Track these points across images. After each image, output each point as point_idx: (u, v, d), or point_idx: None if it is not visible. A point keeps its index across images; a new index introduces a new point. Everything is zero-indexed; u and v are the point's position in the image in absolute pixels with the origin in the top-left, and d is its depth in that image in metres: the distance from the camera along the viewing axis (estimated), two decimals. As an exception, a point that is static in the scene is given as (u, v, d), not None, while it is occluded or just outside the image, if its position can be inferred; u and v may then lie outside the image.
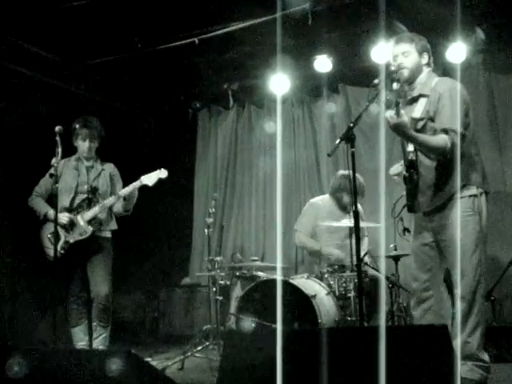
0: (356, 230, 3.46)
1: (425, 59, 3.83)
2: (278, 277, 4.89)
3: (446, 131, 3.57)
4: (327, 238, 5.58)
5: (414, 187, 3.73)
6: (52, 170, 4.41)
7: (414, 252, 3.90)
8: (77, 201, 4.91)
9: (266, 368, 2.81)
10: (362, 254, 5.13)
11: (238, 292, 5.36)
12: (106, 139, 5.14)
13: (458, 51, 5.80)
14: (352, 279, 4.94)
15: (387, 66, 3.77)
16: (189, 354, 5.04)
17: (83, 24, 5.46)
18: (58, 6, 5.15)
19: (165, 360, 5.13)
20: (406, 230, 4.84)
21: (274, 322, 4.51)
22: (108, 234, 5.02)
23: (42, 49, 5.88)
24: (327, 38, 5.98)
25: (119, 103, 7.10)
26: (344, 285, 5.02)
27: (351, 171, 3.43)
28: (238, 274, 5.54)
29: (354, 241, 3.82)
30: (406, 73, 3.76)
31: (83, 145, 4.99)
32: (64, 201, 4.84)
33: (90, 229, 4.84)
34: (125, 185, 5.01)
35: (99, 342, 4.83)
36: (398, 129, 3.51)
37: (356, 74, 6.58)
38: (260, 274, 5.36)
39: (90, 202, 4.90)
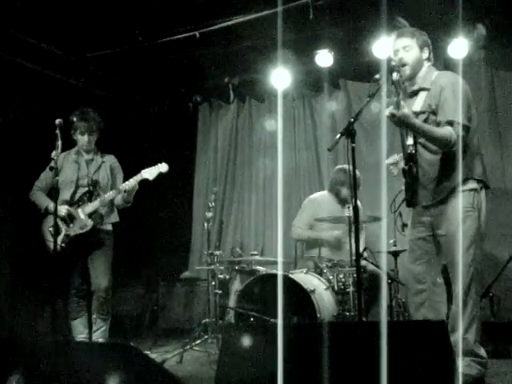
0: (355, 225, 3.46)
1: (425, 54, 3.83)
2: (279, 271, 4.90)
3: (450, 123, 3.57)
4: (326, 227, 5.59)
5: (413, 181, 3.74)
6: (52, 163, 4.40)
7: (410, 245, 3.91)
8: (78, 194, 4.91)
9: (265, 362, 2.84)
10: (361, 248, 5.13)
11: (237, 286, 5.36)
12: (107, 132, 5.13)
13: (459, 47, 5.78)
14: (351, 274, 4.94)
15: (388, 60, 3.75)
16: (188, 347, 5.06)
17: (84, 16, 5.43)
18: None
19: (164, 353, 5.16)
20: (404, 225, 4.84)
21: (273, 316, 4.53)
22: (109, 227, 5.03)
23: (42, 41, 5.85)
24: (329, 33, 5.95)
25: (119, 96, 7.08)
26: (343, 280, 5.03)
27: (351, 166, 3.42)
28: (237, 268, 5.55)
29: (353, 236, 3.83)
30: (407, 70, 3.76)
31: (82, 138, 4.98)
32: (65, 194, 4.85)
33: (91, 222, 4.84)
34: (125, 178, 5.01)
35: (99, 335, 4.85)
36: (401, 121, 3.51)
37: (357, 69, 6.56)
38: (259, 268, 5.38)
39: (90, 196, 4.90)
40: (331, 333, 2.77)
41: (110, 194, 4.87)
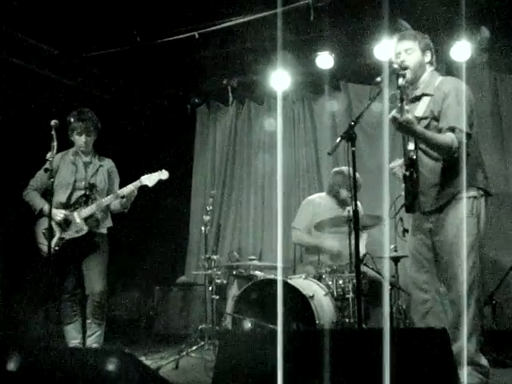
0: (355, 230, 3.41)
1: (428, 57, 3.81)
2: (279, 276, 4.87)
3: (452, 130, 3.55)
4: (327, 236, 5.51)
5: (413, 186, 3.70)
6: (47, 165, 4.34)
7: (412, 253, 3.87)
8: (74, 197, 4.84)
9: (263, 369, 2.77)
10: (362, 251, 5.08)
11: (234, 291, 5.35)
12: (103, 134, 5.07)
13: (462, 50, 5.75)
14: (351, 280, 4.90)
15: (390, 63, 3.72)
16: (184, 353, 5.01)
17: (81, 15, 5.40)
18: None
19: (159, 359, 5.11)
20: (405, 230, 4.82)
21: (271, 322, 4.49)
22: (104, 231, 4.97)
23: (39, 40, 5.82)
24: (329, 35, 5.94)
25: (116, 97, 7.05)
26: (342, 286, 4.98)
27: (351, 170, 3.38)
28: (234, 273, 5.51)
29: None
30: (409, 74, 3.72)
31: (80, 139, 4.91)
32: (60, 196, 4.78)
33: (86, 227, 4.78)
34: (122, 181, 4.96)
35: (93, 340, 4.80)
36: (403, 126, 3.47)
37: (358, 71, 6.54)
38: (257, 273, 5.32)
39: (87, 199, 4.84)
40: (332, 340, 2.70)
41: (107, 199, 4.82)
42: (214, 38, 5.89)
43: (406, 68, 3.71)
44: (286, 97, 7.06)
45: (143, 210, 6.45)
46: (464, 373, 3.44)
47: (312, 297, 4.59)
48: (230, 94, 7.26)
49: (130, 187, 4.77)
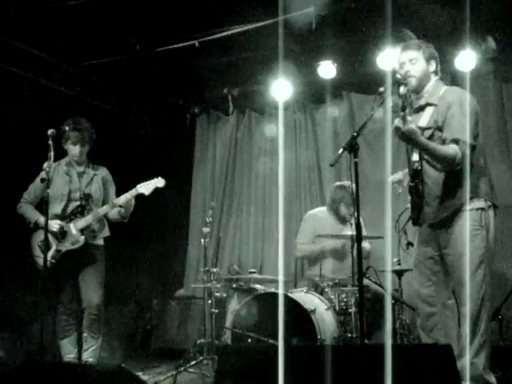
0: (358, 243, 3.38)
1: (432, 67, 3.80)
2: (280, 290, 4.81)
3: (456, 141, 3.53)
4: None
5: (419, 198, 3.69)
6: (44, 175, 4.32)
7: (417, 266, 3.84)
8: (69, 208, 4.82)
9: (263, 385, 2.77)
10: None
11: (234, 305, 5.29)
12: (101, 144, 5.06)
13: (467, 59, 5.74)
14: (353, 294, 4.87)
15: (393, 73, 3.73)
16: (182, 368, 5.00)
17: (79, 24, 5.37)
18: (53, 5, 5.05)
19: (157, 375, 5.10)
20: (409, 243, 4.76)
21: (272, 337, 4.47)
22: (100, 242, 4.94)
23: (36, 49, 5.78)
24: (332, 44, 5.92)
25: (115, 107, 7.02)
26: (345, 300, 4.96)
27: (354, 182, 3.35)
28: (234, 286, 5.46)
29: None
30: (413, 81, 3.72)
31: (74, 149, 4.88)
32: (56, 208, 4.76)
33: (83, 238, 4.75)
34: (119, 191, 4.94)
35: (89, 354, 4.77)
36: (406, 136, 3.46)
37: (361, 81, 6.53)
38: (258, 286, 5.30)
39: (82, 210, 4.81)
40: (334, 356, 2.71)
41: (103, 209, 4.80)
42: (214, 47, 5.84)
43: (409, 78, 3.69)
44: (287, 106, 7.03)
45: (142, 222, 6.44)
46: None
47: (313, 311, 4.57)
48: (231, 104, 7.23)
49: (127, 196, 4.74)
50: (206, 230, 5.54)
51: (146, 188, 4.75)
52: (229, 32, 5.64)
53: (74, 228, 4.72)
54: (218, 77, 6.59)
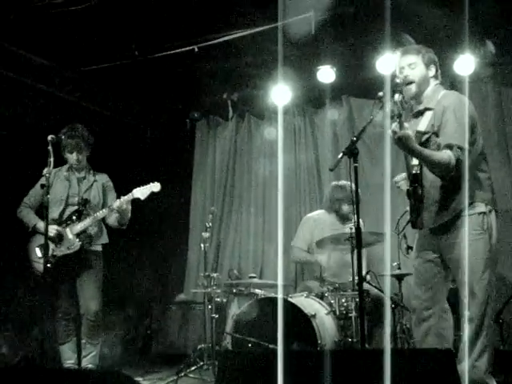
0: (358, 247, 3.39)
1: (432, 71, 3.80)
2: (280, 294, 4.82)
3: (450, 147, 3.52)
4: (323, 252, 5.49)
5: (418, 202, 3.68)
6: (43, 181, 4.33)
7: (416, 269, 3.84)
8: (67, 213, 4.82)
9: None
10: (364, 269, 5.01)
11: (234, 310, 5.23)
12: (101, 149, 5.06)
13: (466, 63, 5.72)
14: (353, 298, 4.84)
15: (392, 77, 3.73)
16: (182, 374, 4.99)
17: (79, 29, 5.36)
18: (52, 11, 5.03)
19: (157, 380, 5.11)
20: (409, 247, 4.79)
21: (272, 341, 4.46)
22: (99, 248, 4.93)
23: (36, 54, 5.77)
24: (331, 48, 5.90)
25: (115, 112, 7.00)
26: (345, 304, 4.92)
27: (353, 186, 3.38)
28: (234, 291, 5.43)
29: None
30: (413, 88, 3.73)
31: (71, 157, 4.91)
32: (53, 212, 4.76)
33: (78, 243, 4.74)
34: (119, 197, 4.90)
35: (88, 361, 4.76)
36: (401, 142, 3.45)
37: (360, 86, 6.51)
38: (258, 291, 5.26)
39: (80, 215, 4.81)
40: (335, 361, 2.69)
41: (100, 213, 4.79)
42: (213, 52, 5.83)
43: (410, 83, 3.70)
44: (286, 111, 7.01)
45: (142, 227, 6.41)
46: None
47: (314, 316, 4.55)
48: (230, 109, 7.22)
49: (122, 200, 4.73)
50: (205, 234, 5.54)
51: (141, 192, 4.75)
52: (228, 37, 5.62)
53: (70, 233, 4.73)
54: (218, 82, 6.60)
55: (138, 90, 6.80)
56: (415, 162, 3.65)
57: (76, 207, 4.81)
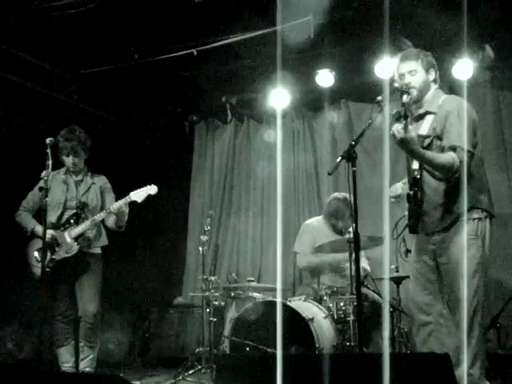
0: (356, 252, 3.36)
1: (432, 75, 3.81)
2: (278, 298, 4.81)
3: (454, 149, 3.53)
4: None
5: (417, 207, 3.67)
6: (42, 184, 4.32)
7: (414, 274, 3.84)
8: (65, 216, 4.80)
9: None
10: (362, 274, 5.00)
11: (232, 313, 5.23)
12: (100, 152, 5.06)
13: (464, 68, 5.73)
14: (351, 302, 4.84)
15: (391, 81, 3.76)
16: (180, 377, 5.00)
17: (78, 32, 5.38)
18: (51, 14, 5.05)
19: None
20: (408, 251, 4.71)
21: (270, 345, 4.46)
22: (97, 251, 4.91)
23: (35, 57, 5.78)
24: (329, 52, 5.91)
25: (113, 115, 7.01)
26: (343, 308, 4.93)
27: (352, 191, 3.36)
28: (232, 294, 5.44)
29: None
30: (414, 93, 3.72)
31: (67, 160, 4.89)
32: (51, 216, 4.72)
33: (77, 246, 4.71)
34: (117, 200, 4.88)
35: (86, 364, 4.73)
36: (404, 144, 3.46)
37: (359, 89, 6.52)
38: (256, 295, 5.28)
39: (78, 218, 4.79)
40: (333, 364, 2.71)
41: (99, 216, 4.76)
42: (212, 56, 5.84)
43: (412, 89, 3.70)
44: (285, 114, 7.03)
45: (140, 230, 6.41)
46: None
47: (312, 319, 4.55)
48: (229, 112, 7.21)
49: (119, 203, 4.70)
50: (204, 238, 5.54)
51: (138, 195, 4.72)
52: (227, 41, 5.63)
53: (68, 236, 4.70)
54: (217, 85, 6.60)
55: (137, 93, 6.80)
56: (416, 166, 3.65)
57: (74, 211, 4.79)
